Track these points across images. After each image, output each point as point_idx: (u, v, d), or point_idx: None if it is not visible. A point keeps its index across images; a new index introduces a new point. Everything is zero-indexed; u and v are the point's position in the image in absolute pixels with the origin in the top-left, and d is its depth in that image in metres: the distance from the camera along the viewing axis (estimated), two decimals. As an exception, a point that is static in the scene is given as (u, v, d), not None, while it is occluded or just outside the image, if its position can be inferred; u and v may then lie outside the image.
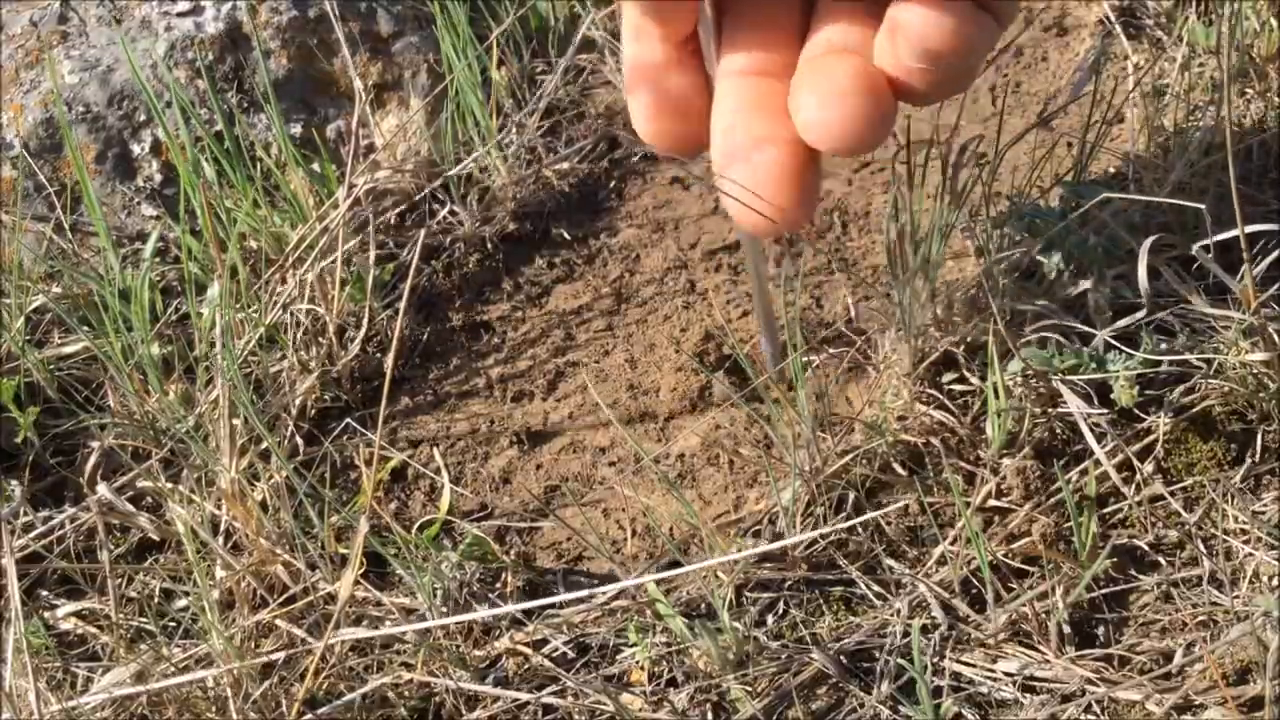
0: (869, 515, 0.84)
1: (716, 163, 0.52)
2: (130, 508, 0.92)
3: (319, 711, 0.78)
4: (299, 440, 0.99)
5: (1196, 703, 0.71)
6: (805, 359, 0.95)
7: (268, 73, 1.13)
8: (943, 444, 0.86)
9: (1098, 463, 0.82)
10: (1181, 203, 0.83)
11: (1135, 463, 0.83)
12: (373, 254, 1.08)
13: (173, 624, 0.86)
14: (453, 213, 1.19)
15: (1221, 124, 1.01)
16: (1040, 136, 1.13)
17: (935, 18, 0.47)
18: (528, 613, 0.85)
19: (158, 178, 1.19)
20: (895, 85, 0.49)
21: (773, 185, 0.50)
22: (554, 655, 0.81)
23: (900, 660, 0.76)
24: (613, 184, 1.25)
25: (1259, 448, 0.83)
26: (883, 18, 0.49)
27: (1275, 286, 0.81)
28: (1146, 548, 0.81)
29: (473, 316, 1.12)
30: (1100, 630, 0.78)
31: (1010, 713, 0.74)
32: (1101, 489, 0.83)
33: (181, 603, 0.88)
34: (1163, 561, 0.81)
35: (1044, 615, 0.77)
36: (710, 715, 0.77)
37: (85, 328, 0.99)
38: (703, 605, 0.82)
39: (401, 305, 0.82)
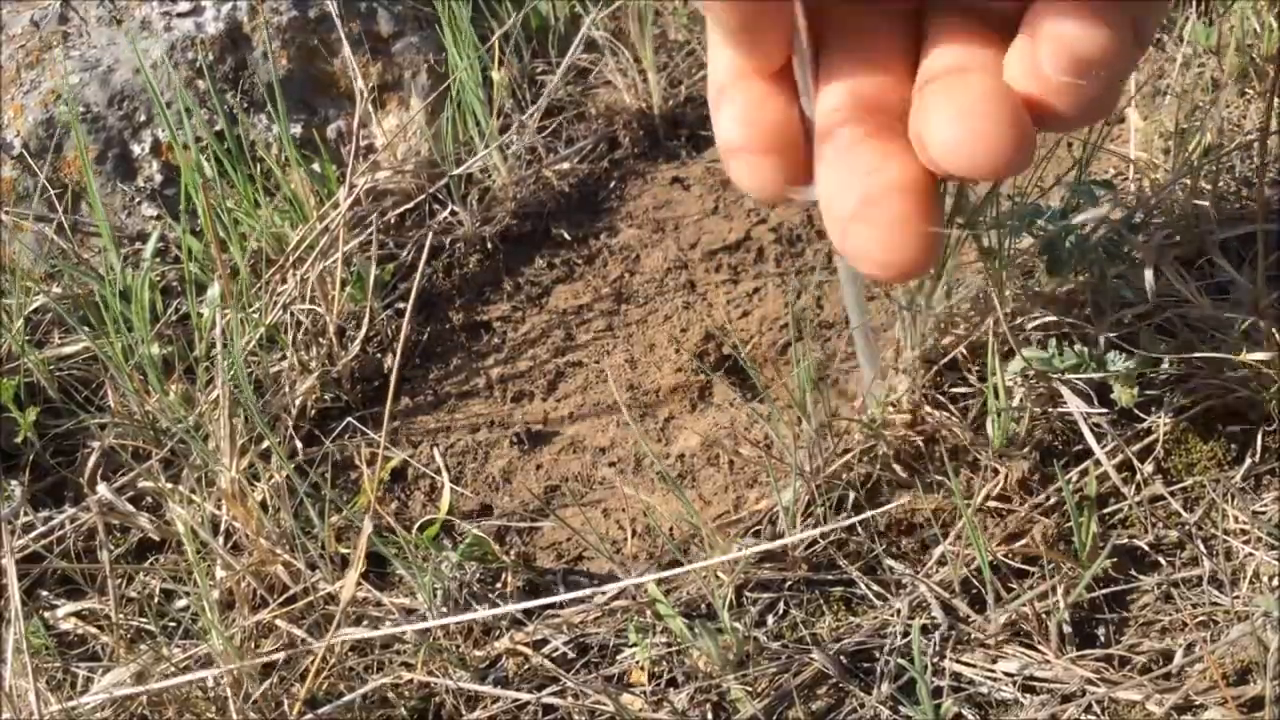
0: (869, 513, 0.84)
1: (825, 201, 0.46)
2: (130, 508, 0.92)
3: (319, 711, 0.78)
4: (299, 440, 0.99)
5: (1196, 703, 0.71)
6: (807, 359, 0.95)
7: (270, 72, 1.13)
8: (943, 444, 0.86)
9: (1098, 463, 0.82)
10: (1184, 202, 0.83)
11: (1135, 463, 0.83)
12: (373, 254, 1.08)
13: (173, 624, 0.86)
14: (453, 213, 1.19)
15: (1224, 125, 1.01)
16: (1040, 137, 1.13)
17: (1087, 22, 0.41)
18: (528, 613, 0.85)
19: (158, 178, 1.19)
20: (1031, 108, 0.44)
21: (895, 230, 0.44)
22: (554, 655, 0.81)
23: (900, 660, 0.76)
24: (613, 184, 1.25)
25: (1259, 448, 0.83)
26: (1005, 40, 0.44)
27: (1278, 286, 0.81)
28: (1146, 548, 0.81)
29: (473, 316, 1.12)
30: (1100, 630, 0.78)
31: (1010, 713, 0.74)
32: (1102, 489, 0.83)
33: (181, 603, 0.88)
34: (1163, 561, 0.81)
35: (1044, 615, 0.77)
36: (710, 715, 0.77)
37: (86, 328, 0.99)
38: (703, 605, 0.82)
39: (408, 305, 0.82)
